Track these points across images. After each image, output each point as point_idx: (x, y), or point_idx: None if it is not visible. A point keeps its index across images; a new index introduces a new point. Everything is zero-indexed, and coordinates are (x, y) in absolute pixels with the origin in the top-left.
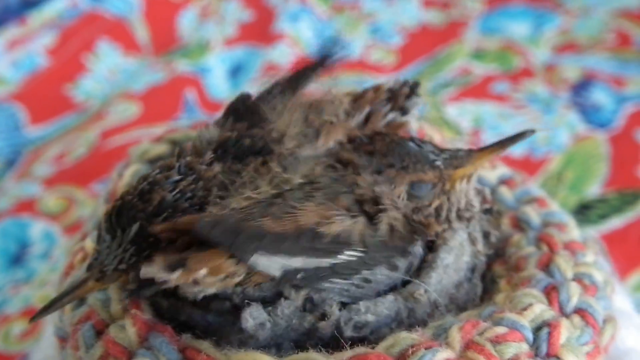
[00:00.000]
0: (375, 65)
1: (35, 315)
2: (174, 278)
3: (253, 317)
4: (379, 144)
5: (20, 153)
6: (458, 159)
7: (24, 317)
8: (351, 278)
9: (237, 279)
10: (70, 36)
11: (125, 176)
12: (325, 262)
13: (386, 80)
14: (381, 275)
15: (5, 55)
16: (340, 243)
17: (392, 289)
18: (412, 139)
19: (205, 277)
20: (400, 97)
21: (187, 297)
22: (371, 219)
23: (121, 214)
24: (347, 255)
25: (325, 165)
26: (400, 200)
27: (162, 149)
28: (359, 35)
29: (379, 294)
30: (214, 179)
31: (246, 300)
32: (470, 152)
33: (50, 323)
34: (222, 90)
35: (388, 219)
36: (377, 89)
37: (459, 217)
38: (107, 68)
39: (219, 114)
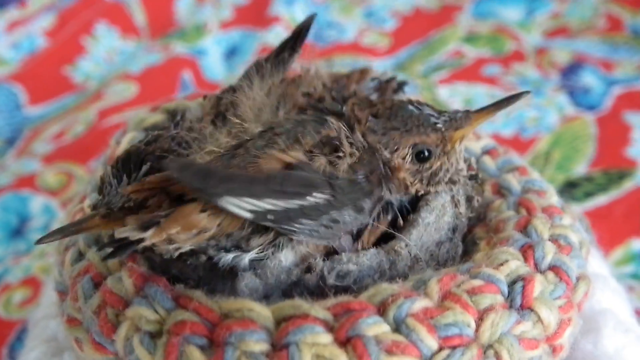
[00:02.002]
0: (369, 48)
1: (41, 239)
2: (148, 236)
3: (249, 287)
4: (381, 107)
5: (21, 132)
6: (457, 120)
7: (25, 286)
8: (320, 219)
9: (210, 233)
10: (69, 19)
11: (122, 143)
12: (294, 203)
13: (374, 67)
14: (349, 216)
15: (4, 37)
16: (307, 186)
17: (361, 231)
18: (410, 102)
19: (178, 234)
20: (388, 90)
21: (164, 255)
22: (332, 163)
23: (128, 161)
24: (315, 198)
25: (295, 112)
26: (406, 163)
27: (158, 117)
28: (353, 19)
29: (349, 234)
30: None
31: (240, 272)
32: (467, 113)
33: (49, 286)
34: (218, 72)
35: (347, 164)
36: (363, 71)
37: (451, 181)
38: (105, 50)
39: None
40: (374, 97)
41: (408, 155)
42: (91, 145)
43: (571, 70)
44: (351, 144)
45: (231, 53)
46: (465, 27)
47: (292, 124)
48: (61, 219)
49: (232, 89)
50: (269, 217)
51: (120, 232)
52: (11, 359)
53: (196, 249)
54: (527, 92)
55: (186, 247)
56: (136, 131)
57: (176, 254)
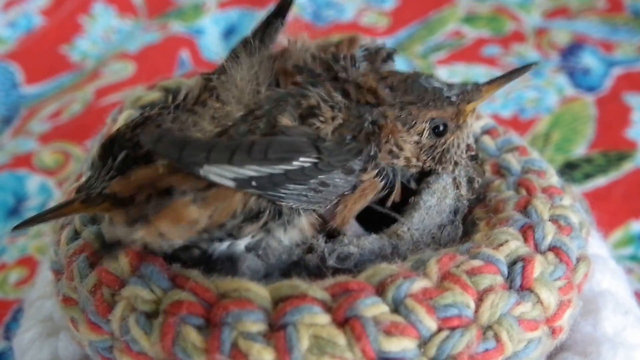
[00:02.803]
0: (368, 28)
1: (19, 225)
2: (139, 234)
3: (250, 269)
4: (394, 79)
5: (17, 111)
6: (469, 93)
7: (21, 265)
8: (308, 183)
9: (201, 226)
10: None
11: (119, 120)
12: (279, 169)
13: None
14: (339, 179)
15: (1, 15)
16: (292, 151)
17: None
18: (418, 75)
19: (169, 229)
20: (377, 59)
21: (157, 252)
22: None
23: (114, 143)
24: (301, 162)
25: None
26: (423, 138)
27: (155, 95)
28: None
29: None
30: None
31: (239, 254)
32: (477, 85)
33: (44, 266)
34: (216, 51)
35: (331, 128)
36: (352, 39)
37: (454, 162)
38: (102, 29)
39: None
40: (364, 65)
41: (425, 130)
42: (88, 124)
43: (571, 51)
44: (332, 107)
45: (229, 32)
46: (465, 8)
47: (271, 103)
48: (57, 198)
49: (222, 69)
50: (253, 184)
51: (110, 235)
52: (6, 339)
53: (188, 244)
54: (536, 64)
55: (179, 242)
56: (132, 109)
57: (170, 250)
